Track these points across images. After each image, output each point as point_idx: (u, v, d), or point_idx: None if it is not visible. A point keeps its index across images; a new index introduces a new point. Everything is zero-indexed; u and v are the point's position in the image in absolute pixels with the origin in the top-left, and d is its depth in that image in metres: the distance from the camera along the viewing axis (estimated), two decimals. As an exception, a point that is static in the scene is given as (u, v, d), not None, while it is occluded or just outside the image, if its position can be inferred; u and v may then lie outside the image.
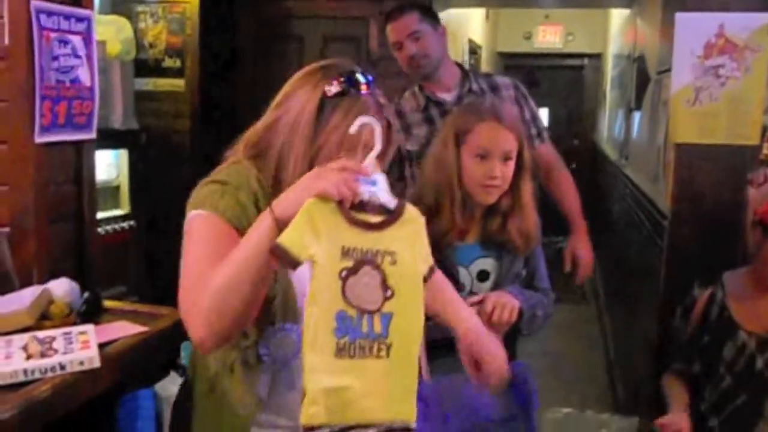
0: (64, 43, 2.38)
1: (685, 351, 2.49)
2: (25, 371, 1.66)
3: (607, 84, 7.76)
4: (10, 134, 2.31)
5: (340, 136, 1.43)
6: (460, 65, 2.96)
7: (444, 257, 1.96)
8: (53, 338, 1.82)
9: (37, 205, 2.33)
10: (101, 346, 1.83)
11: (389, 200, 1.34)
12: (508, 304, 1.93)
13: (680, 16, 2.74)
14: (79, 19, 2.45)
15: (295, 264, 1.27)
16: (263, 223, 1.30)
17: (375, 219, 1.32)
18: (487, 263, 2.07)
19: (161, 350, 1.46)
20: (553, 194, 2.88)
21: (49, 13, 2.32)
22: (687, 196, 2.81)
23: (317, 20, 4.75)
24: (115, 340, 1.93)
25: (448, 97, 2.80)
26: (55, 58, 2.35)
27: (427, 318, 1.69)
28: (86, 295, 2.15)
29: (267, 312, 1.43)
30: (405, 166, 2.78)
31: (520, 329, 2.05)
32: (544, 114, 9.67)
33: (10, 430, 1.53)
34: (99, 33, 2.70)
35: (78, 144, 2.50)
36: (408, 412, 1.35)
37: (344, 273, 1.28)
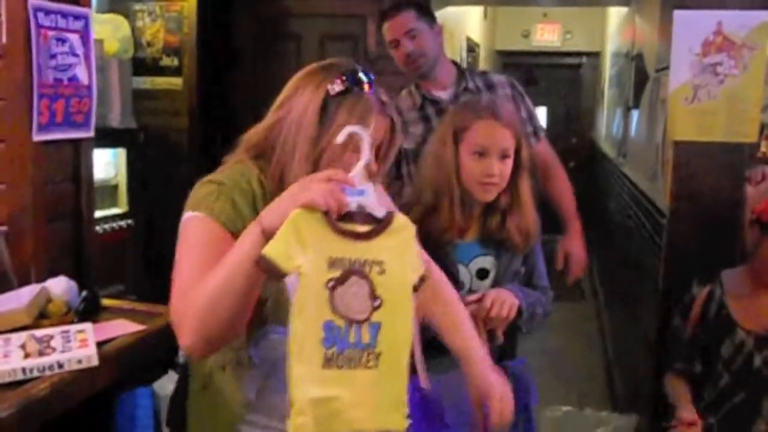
0: (62, 41, 2.37)
1: (687, 351, 2.49)
2: (23, 370, 1.66)
3: (605, 82, 7.76)
4: (7, 132, 2.30)
5: (344, 142, 1.43)
6: (456, 63, 2.96)
7: (443, 255, 1.96)
8: (51, 337, 1.82)
9: (35, 203, 2.32)
10: (99, 344, 1.83)
11: (377, 210, 1.34)
12: (507, 300, 1.93)
13: (678, 14, 2.74)
14: (77, 18, 2.44)
15: (281, 275, 1.27)
16: (251, 234, 1.31)
17: (363, 228, 1.32)
18: (487, 261, 2.07)
19: (159, 348, 1.46)
20: (549, 193, 2.88)
21: (47, 12, 2.32)
22: (685, 194, 2.81)
23: (315, 19, 4.74)
24: (113, 339, 1.93)
25: (444, 95, 2.80)
26: (53, 56, 2.34)
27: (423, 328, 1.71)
28: (84, 293, 2.15)
29: (259, 314, 1.42)
30: (402, 164, 2.78)
31: (519, 327, 2.05)
32: (542, 112, 9.68)
33: (9, 428, 1.53)
34: (96, 31, 2.69)
35: (76, 142, 2.50)
36: (398, 421, 1.35)
37: (331, 283, 1.28)
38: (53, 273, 2.22)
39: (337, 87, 1.46)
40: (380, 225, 1.33)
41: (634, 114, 4.52)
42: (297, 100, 1.48)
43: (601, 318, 5.89)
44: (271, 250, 1.26)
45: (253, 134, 1.55)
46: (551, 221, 2.71)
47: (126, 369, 1.91)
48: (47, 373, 1.68)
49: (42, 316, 2.01)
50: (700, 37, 2.71)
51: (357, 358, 1.30)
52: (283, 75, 1.57)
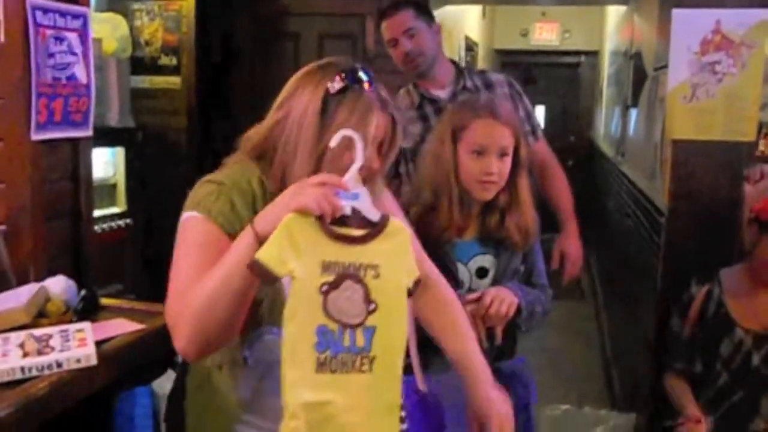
0: (60, 40, 2.37)
1: (686, 350, 2.49)
2: (22, 369, 1.66)
3: (603, 81, 7.77)
4: (6, 131, 2.30)
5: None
6: (454, 62, 2.96)
7: (442, 254, 1.97)
8: (50, 336, 1.82)
9: (34, 202, 2.32)
10: (98, 343, 1.83)
11: (372, 213, 1.34)
12: (506, 298, 1.93)
13: (677, 13, 2.74)
14: (75, 16, 2.44)
15: (273, 279, 1.27)
16: (245, 239, 1.31)
17: (357, 232, 1.32)
18: (486, 260, 2.07)
19: (158, 348, 1.46)
20: (546, 192, 2.88)
21: (45, 10, 2.31)
22: (684, 193, 2.81)
23: (313, 17, 4.74)
24: (112, 338, 1.92)
25: (442, 94, 2.80)
26: (51, 55, 2.34)
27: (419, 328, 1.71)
28: (83, 292, 2.15)
29: (254, 315, 1.43)
30: (400, 163, 2.78)
31: (518, 325, 2.05)
32: (540, 111, 9.69)
33: (8, 428, 1.52)
34: (95, 30, 2.69)
35: (74, 141, 2.50)
36: (391, 426, 1.36)
37: (325, 287, 1.28)
38: (52, 272, 2.22)
39: (336, 85, 1.45)
40: (375, 229, 1.34)
41: (633, 113, 4.53)
42: (297, 101, 1.47)
43: (600, 317, 5.90)
44: (264, 255, 1.26)
45: (253, 135, 1.55)
46: (550, 220, 2.72)
47: (125, 368, 1.91)
48: (46, 372, 1.68)
49: (41, 315, 2.00)
50: (699, 35, 2.71)
51: (351, 362, 1.30)
52: (282, 74, 1.57)
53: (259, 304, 1.43)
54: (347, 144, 1.39)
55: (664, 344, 2.61)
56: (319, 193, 1.28)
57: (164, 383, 1.96)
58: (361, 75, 1.48)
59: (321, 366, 1.28)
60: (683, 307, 2.54)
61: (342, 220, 1.31)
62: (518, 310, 1.96)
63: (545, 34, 9.63)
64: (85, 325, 1.93)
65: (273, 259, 1.26)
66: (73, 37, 2.43)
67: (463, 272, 2.05)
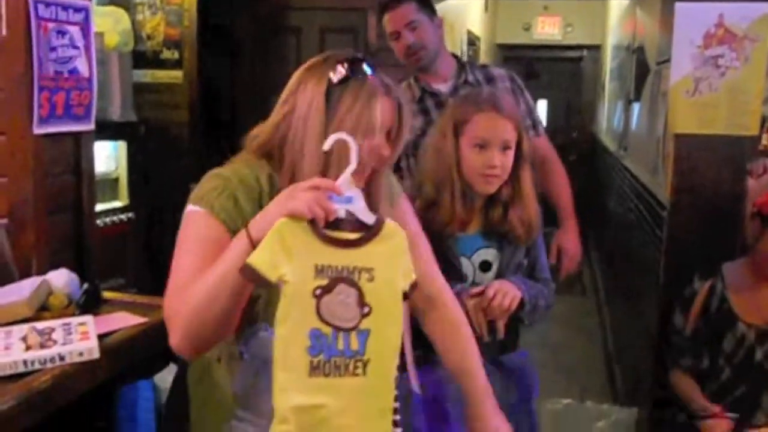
0: (62, 33, 2.37)
1: (693, 347, 2.48)
2: (24, 362, 1.66)
3: (606, 75, 7.75)
4: (8, 125, 2.30)
5: (354, 120, 1.42)
6: (456, 56, 2.96)
7: (446, 248, 1.96)
8: (52, 329, 1.82)
9: (36, 196, 2.32)
10: (100, 337, 1.83)
11: (367, 216, 1.34)
12: (509, 292, 1.93)
13: (680, 6, 2.73)
14: (77, 10, 2.44)
15: (265, 284, 1.28)
16: (239, 243, 1.32)
17: (351, 236, 1.32)
18: (489, 253, 2.07)
19: (160, 341, 1.46)
20: (546, 188, 2.88)
21: (47, 4, 2.31)
22: (686, 187, 2.81)
23: (315, 12, 4.74)
24: (114, 332, 1.93)
25: (443, 88, 2.80)
26: (53, 48, 2.34)
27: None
28: (85, 286, 2.15)
29: (250, 311, 1.43)
30: (401, 157, 2.77)
31: (521, 319, 2.05)
32: (543, 106, 9.68)
33: (10, 420, 1.53)
34: (97, 24, 2.69)
35: (76, 135, 2.50)
36: (384, 429, 1.36)
37: (318, 291, 1.28)
38: (54, 266, 2.22)
39: (338, 75, 1.45)
40: (370, 232, 1.33)
41: (635, 107, 4.52)
42: (300, 96, 1.47)
43: (602, 311, 5.90)
44: (256, 260, 1.27)
45: (258, 133, 1.54)
46: (550, 214, 2.72)
47: (127, 362, 1.91)
48: (48, 365, 1.68)
49: (43, 308, 2.01)
50: (702, 29, 2.70)
51: (344, 365, 1.30)
52: (284, 68, 1.57)
53: (255, 301, 1.44)
54: (360, 129, 1.40)
55: (666, 339, 2.61)
56: (310, 197, 1.28)
57: (166, 377, 1.96)
58: (363, 63, 1.48)
59: (314, 369, 1.28)
60: (686, 302, 2.53)
61: (336, 224, 1.31)
62: (521, 304, 1.96)
63: (547, 29, 9.61)
64: (88, 318, 1.93)
65: (264, 263, 1.26)
66: (75, 30, 2.43)
67: (467, 266, 2.05)
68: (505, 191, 2.02)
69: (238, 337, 1.48)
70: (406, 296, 1.38)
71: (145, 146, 4.26)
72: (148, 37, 4.62)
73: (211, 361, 1.55)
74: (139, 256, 4.17)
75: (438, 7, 2.89)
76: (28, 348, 1.71)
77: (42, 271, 2.22)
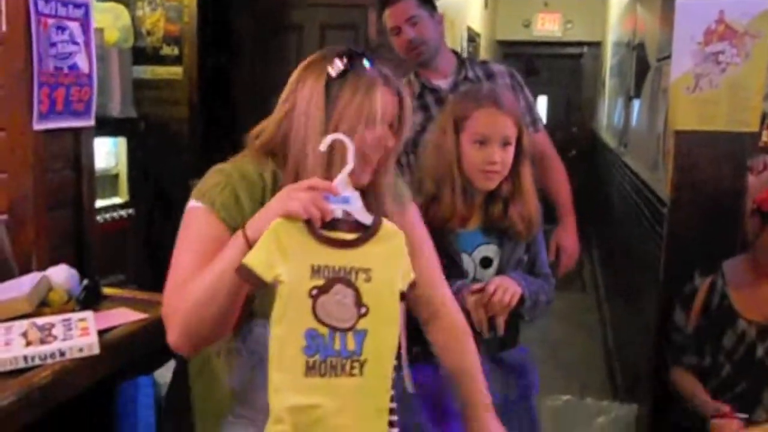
0: (62, 29, 2.37)
1: (695, 344, 2.47)
2: (24, 358, 1.66)
3: (606, 72, 7.75)
4: (8, 121, 2.30)
5: (354, 112, 1.42)
6: (456, 53, 2.96)
7: (446, 244, 1.96)
8: (52, 325, 1.82)
9: (36, 192, 2.32)
10: (100, 333, 1.83)
11: (364, 217, 1.34)
12: (510, 287, 1.93)
13: (680, 3, 2.73)
14: (77, 6, 2.43)
15: (261, 284, 1.28)
16: (236, 243, 1.33)
17: (349, 236, 1.32)
18: (490, 249, 2.07)
19: (160, 337, 1.46)
20: (545, 184, 2.88)
21: (47, 0, 2.31)
22: (686, 184, 2.81)
23: (315, 8, 4.73)
24: (114, 327, 1.93)
25: (443, 84, 2.80)
26: (53, 44, 2.34)
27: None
28: (85, 282, 2.15)
29: (247, 306, 1.43)
30: (401, 153, 2.77)
31: (522, 315, 2.05)
32: (543, 102, 9.67)
33: (10, 416, 1.53)
34: (97, 20, 2.68)
35: (76, 131, 2.49)
36: (381, 429, 1.36)
37: (314, 291, 1.28)
38: (54, 261, 2.22)
39: (337, 68, 1.45)
40: (367, 232, 1.34)
41: (635, 103, 4.52)
42: (300, 93, 1.47)
43: (602, 308, 5.90)
44: (251, 260, 1.27)
45: (260, 132, 1.54)
46: (549, 211, 2.72)
47: (127, 357, 1.91)
48: (49, 361, 1.68)
49: (43, 304, 2.00)
50: (702, 25, 2.70)
51: (341, 365, 1.30)
52: (284, 65, 1.58)
53: (252, 298, 1.44)
54: (361, 120, 1.41)
55: (667, 336, 2.61)
56: (306, 198, 1.28)
57: (166, 373, 1.96)
58: (361, 56, 1.48)
59: (310, 370, 1.28)
60: (687, 299, 2.53)
61: (333, 224, 1.31)
62: (522, 300, 1.96)
63: (547, 25, 9.61)
64: (88, 314, 1.93)
65: (260, 263, 1.27)
66: (74, 26, 2.42)
67: (468, 262, 2.05)
68: (506, 187, 2.02)
69: (236, 332, 1.48)
70: (404, 296, 1.38)
71: (144, 142, 4.27)
72: (148, 33, 4.62)
73: (211, 355, 1.55)
74: (138, 253, 4.18)
75: (438, 3, 2.89)
76: (28, 344, 1.71)
77: (42, 267, 2.21)
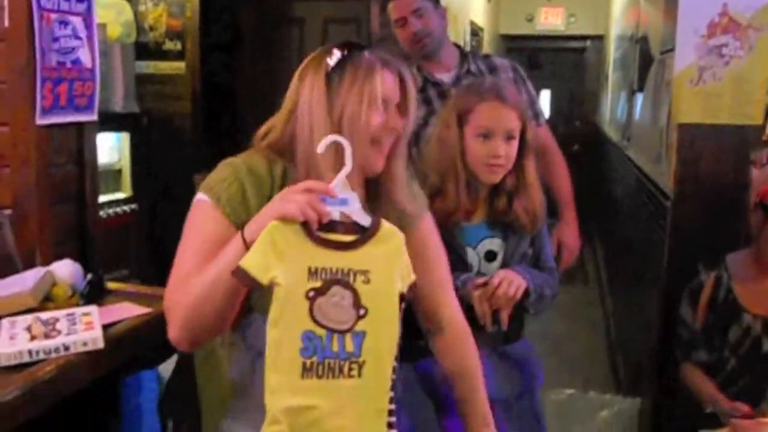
0: (65, 24, 2.36)
1: (706, 340, 2.46)
2: (29, 352, 1.66)
3: (609, 66, 7.73)
4: (11, 116, 2.30)
5: (356, 97, 1.43)
6: (458, 46, 2.95)
7: (450, 238, 1.96)
8: (57, 319, 1.82)
9: (39, 187, 2.32)
10: (105, 327, 1.83)
11: (363, 218, 1.34)
12: (514, 280, 1.93)
13: (684, -4, 2.73)
14: (79, 1, 2.43)
15: (257, 286, 1.28)
16: (235, 245, 1.34)
17: (346, 238, 1.32)
18: (494, 243, 2.07)
19: (164, 331, 1.46)
20: (546, 178, 2.88)
21: (49, -6, 2.31)
22: (690, 177, 2.80)
23: (318, 2, 4.72)
24: (118, 322, 1.93)
25: (446, 77, 2.79)
26: (56, 39, 2.33)
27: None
28: (89, 276, 2.15)
29: (246, 301, 1.44)
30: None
31: (527, 308, 2.05)
32: (546, 96, 9.66)
33: (15, 410, 1.53)
34: (99, 16, 2.68)
35: (79, 126, 2.49)
36: (380, 430, 1.36)
37: (312, 293, 1.28)
38: (58, 256, 2.22)
39: (335, 58, 1.46)
40: (365, 234, 1.33)
41: (639, 97, 4.51)
42: (302, 90, 1.48)
43: (605, 302, 5.90)
44: (247, 262, 1.28)
45: (267, 132, 1.55)
46: (552, 205, 2.71)
47: (131, 352, 1.91)
48: (53, 355, 1.68)
49: (47, 299, 2.01)
50: (706, 18, 2.70)
51: (339, 367, 1.30)
52: (287, 59, 1.58)
53: (251, 293, 1.44)
54: (365, 105, 1.41)
55: (672, 330, 2.60)
56: (303, 200, 1.29)
57: (170, 367, 1.96)
58: (359, 46, 1.49)
59: (307, 371, 1.28)
60: (694, 295, 2.51)
61: (331, 226, 1.31)
62: (526, 293, 1.96)
63: (550, 19, 9.59)
64: (92, 308, 1.93)
65: (256, 266, 1.27)
66: (77, 21, 2.42)
67: (472, 256, 2.05)
68: (510, 181, 2.02)
69: (235, 326, 1.49)
70: (403, 298, 1.38)
71: (147, 137, 4.27)
72: (151, 29, 4.61)
73: (215, 345, 1.56)
74: (142, 248, 4.18)
75: (442, -3, 2.89)
76: (32, 338, 1.71)
77: (45, 262, 2.22)
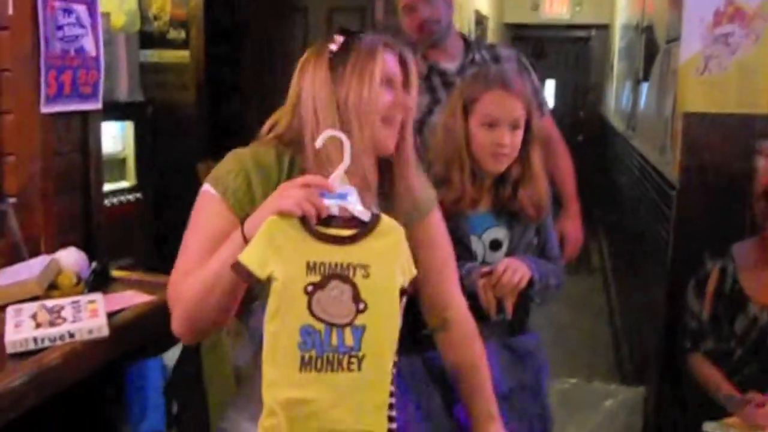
0: (69, 12, 2.36)
1: (714, 330, 2.45)
2: (34, 339, 1.66)
3: (614, 55, 7.70)
4: (15, 104, 2.30)
5: (361, 79, 1.44)
6: (463, 36, 2.95)
7: (455, 227, 1.96)
8: (62, 307, 1.82)
9: (44, 175, 2.32)
10: (109, 315, 1.83)
11: (362, 213, 1.33)
12: (519, 269, 1.93)
13: (690, -16, 2.72)
14: (84, -11, 2.43)
15: (256, 281, 1.28)
16: (235, 240, 1.34)
17: (346, 232, 1.32)
18: (500, 232, 2.07)
19: (169, 320, 1.47)
20: (549, 169, 2.87)
21: (53, -18, 2.30)
22: (695, 166, 2.80)
23: (322, -9, 4.71)
24: (123, 310, 1.93)
25: (451, 66, 2.78)
26: (60, 27, 2.33)
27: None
28: (94, 265, 2.16)
29: (250, 290, 1.44)
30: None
31: (532, 297, 2.05)
32: (550, 86, 9.64)
33: (22, 397, 1.53)
34: (103, 4, 2.67)
35: (84, 114, 2.49)
36: (379, 424, 1.36)
37: (310, 288, 1.29)
38: (62, 245, 2.23)
39: (337, 43, 1.47)
40: (365, 228, 1.33)
41: (644, 86, 4.49)
42: (305, 80, 1.49)
43: (610, 291, 5.90)
44: (246, 257, 1.28)
45: (273, 126, 1.55)
46: (556, 197, 2.71)
47: (136, 340, 1.92)
48: (58, 343, 1.68)
49: (52, 287, 2.01)
50: (712, 7, 2.68)
51: (338, 361, 1.30)
52: (291, 48, 1.58)
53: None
54: (365, 81, 1.42)
55: (678, 320, 2.59)
56: (301, 195, 1.29)
57: (175, 355, 1.97)
58: (359, 32, 1.50)
59: (305, 365, 1.29)
60: (700, 285, 2.50)
61: (330, 221, 1.32)
62: (531, 282, 1.96)
63: (556, 8, 9.55)
64: (97, 296, 1.93)
65: (254, 261, 1.28)
66: (81, 9, 2.42)
67: (477, 245, 2.05)
68: (515, 170, 2.02)
69: (239, 314, 1.49)
70: (404, 292, 1.38)
71: (152, 126, 4.27)
72: (155, 18, 4.61)
73: (222, 334, 1.57)
74: (146, 236, 4.19)
75: (446, -14, 2.87)
76: (38, 326, 1.71)
77: (50, 251, 2.22)
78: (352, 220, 1.33)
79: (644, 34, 4.65)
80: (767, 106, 2.71)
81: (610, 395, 2.95)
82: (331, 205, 1.31)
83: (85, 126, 2.50)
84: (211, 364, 1.63)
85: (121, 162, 4.17)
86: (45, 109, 2.30)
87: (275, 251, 1.28)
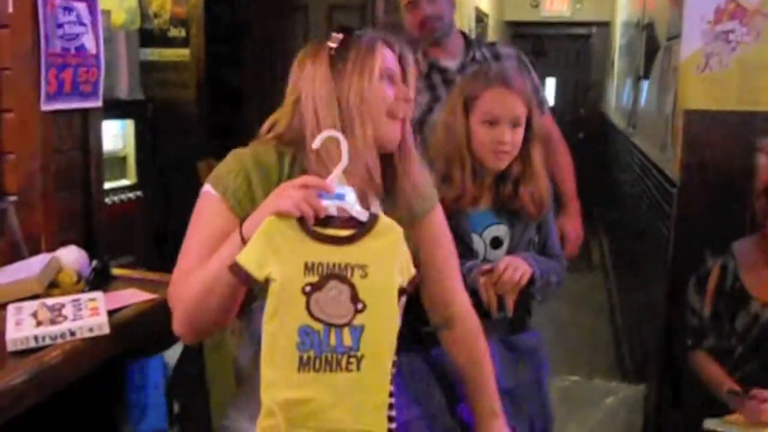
0: (69, 10, 2.36)
1: (715, 327, 2.45)
2: (35, 337, 1.66)
3: (615, 53, 7.70)
4: (16, 102, 2.30)
5: (362, 74, 1.44)
6: (464, 34, 2.94)
7: (456, 225, 1.96)
8: (63, 305, 1.82)
9: (44, 173, 2.32)
10: (110, 313, 1.83)
11: (360, 213, 1.33)
12: (520, 266, 1.93)
13: (690, -19, 2.71)
14: (84, -14, 2.43)
15: (253, 281, 1.28)
16: (234, 240, 1.34)
17: (343, 233, 1.32)
18: (500, 230, 2.07)
19: (169, 318, 1.47)
20: (549, 167, 2.86)
21: (54, -20, 2.30)
22: (696, 164, 2.79)
23: (323, -11, 4.71)
24: (123, 308, 1.93)
25: (451, 64, 2.78)
26: (60, 25, 2.33)
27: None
28: (95, 263, 2.15)
29: (250, 290, 1.44)
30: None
31: (533, 295, 2.05)
32: (551, 84, 9.63)
33: (22, 395, 1.53)
34: (103, 2, 2.67)
35: (84, 112, 2.49)
36: (379, 424, 1.36)
37: (308, 288, 1.28)
38: (63, 243, 2.23)
39: (336, 40, 1.47)
40: (363, 228, 1.33)
41: (644, 84, 4.49)
42: (304, 78, 1.48)
43: (611, 288, 5.90)
44: (243, 258, 1.28)
45: (272, 126, 1.55)
46: (556, 195, 2.70)
47: (137, 338, 1.91)
48: (59, 340, 1.68)
49: (53, 285, 2.01)
50: (713, 4, 2.68)
51: (336, 361, 1.30)
52: (291, 46, 1.58)
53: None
54: (372, 79, 1.41)
55: (674, 316, 2.60)
56: (298, 196, 1.29)
57: (176, 354, 1.97)
58: (354, 29, 1.51)
59: (303, 365, 1.29)
60: (701, 282, 2.50)
61: (328, 221, 1.31)
62: (532, 280, 1.96)
63: (556, 5, 9.54)
64: (98, 294, 1.93)
65: (252, 261, 1.28)
66: (81, 7, 2.42)
67: (478, 242, 2.05)
68: (516, 168, 2.02)
69: (240, 314, 1.49)
70: (403, 292, 1.38)
71: (152, 125, 4.27)
72: (155, 16, 4.60)
73: (225, 332, 1.57)
74: (147, 234, 4.19)
75: (447, -17, 2.87)
76: (38, 324, 1.71)
77: (51, 249, 2.22)
78: (350, 221, 1.33)
79: (645, 31, 4.65)
80: (767, 103, 2.70)
81: (610, 393, 2.95)
82: (329, 206, 1.31)
83: (86, 124, 2.50)
84: (214, 364, 1.64)
85: (122, 160, 4.17)
86: (45, 107, 2.29)
87: (273, 252, 1.28)
